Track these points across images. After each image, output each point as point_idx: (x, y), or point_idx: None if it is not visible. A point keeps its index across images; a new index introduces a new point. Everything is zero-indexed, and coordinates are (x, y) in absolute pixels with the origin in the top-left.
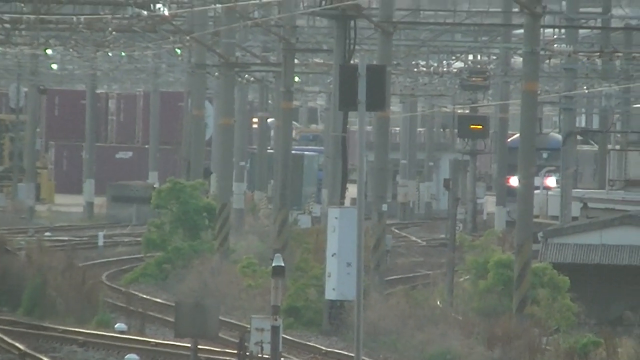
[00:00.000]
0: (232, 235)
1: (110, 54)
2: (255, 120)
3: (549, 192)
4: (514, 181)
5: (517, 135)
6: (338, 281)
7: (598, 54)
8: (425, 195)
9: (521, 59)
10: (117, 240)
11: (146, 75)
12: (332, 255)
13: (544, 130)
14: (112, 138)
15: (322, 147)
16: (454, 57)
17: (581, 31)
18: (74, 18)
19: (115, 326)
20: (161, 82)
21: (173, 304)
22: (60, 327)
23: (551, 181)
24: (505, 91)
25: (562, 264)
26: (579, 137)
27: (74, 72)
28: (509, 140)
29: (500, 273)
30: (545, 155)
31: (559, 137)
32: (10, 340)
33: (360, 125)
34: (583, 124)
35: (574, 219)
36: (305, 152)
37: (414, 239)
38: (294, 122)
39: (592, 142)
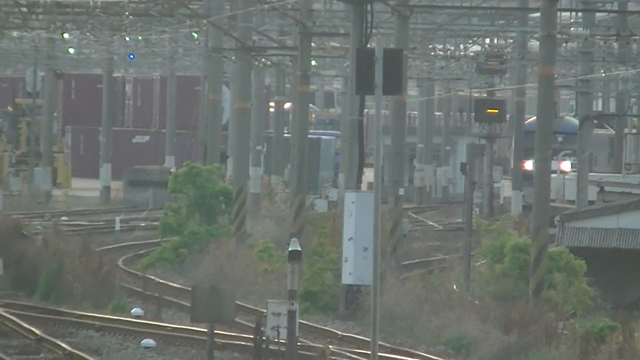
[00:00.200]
0: (248, 219)
1: (127, 38)
2: (272, 104)
3: (566, 177)
4: (528, 165)
5: (533, 118)
6: (355, 265)
7: (615, 37)
8: (442, 180)
9: (538, 42)
10: (133, 224)
11: (163, 60)
12: (349, 240)
13: (560, 114)
14: (129, 122)
15: (338, 131)
16: (470, 41)
17: (598, 14)
18: (91, 2)
19: (132, 311)
20: (178, 66)
21: (189, 289)
22: (77, 312)
23: (566, 165)
24: (521, 75)
25: (579, 248)
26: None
27: (91, 57)
28: (524, 123)
29: (517, 257)
30: (560, 139)
31: (575, 120)
32: (26, 325)
33: (377, 109)
34: (599, 108)
35: (591, 203)
36: (322, 137)
37: (430, 223)
38: (311, 106)
39: (607, 126)
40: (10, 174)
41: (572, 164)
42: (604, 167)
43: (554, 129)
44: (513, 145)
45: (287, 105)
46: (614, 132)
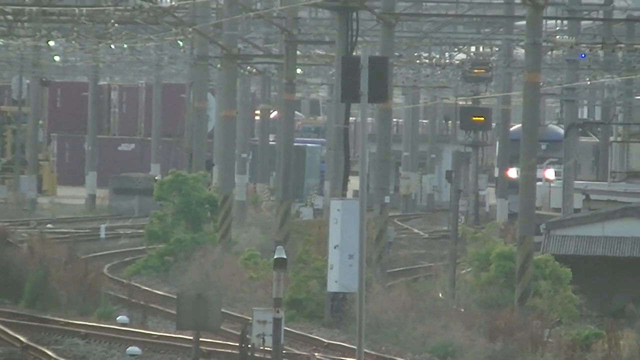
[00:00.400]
0: (234, 227)
1: (112, 46)
2: (257, 112)
3: (551, 184)
4: (512, 173)
5: (517, 126)
6: (340, 273)
7: (600, 45)
8: (428, 187)
9: (523, 50)
10: (119, 232)
11: (148, 67)
12: (335, 248)
13: (544, 122)
14: (115, 130)
15: (323, 139)
16: (456, 49)
17: (583, 23)
18: (76, 10)
19: (117, 318)
20: (163, 74)
21: (175, 296)
22: (62, 319)
23: (550, 173)
24: (507, 83)
25: (564, 256)
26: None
27: (76, 64)
28: (509, 131)
29: (502, 265)
30: (544, 146)
31: (558, 128)
32: (12, 333)
33: (362, 117)
34: (585, 116)
35: (576, 210)
36: (308, 144)
37: (416, 231)
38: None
39: (591, 134)
40: None
41: (555, 172)
42: (589, 175)
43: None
44: (498, 153)
45: (273, 115)
46: (597, 140)
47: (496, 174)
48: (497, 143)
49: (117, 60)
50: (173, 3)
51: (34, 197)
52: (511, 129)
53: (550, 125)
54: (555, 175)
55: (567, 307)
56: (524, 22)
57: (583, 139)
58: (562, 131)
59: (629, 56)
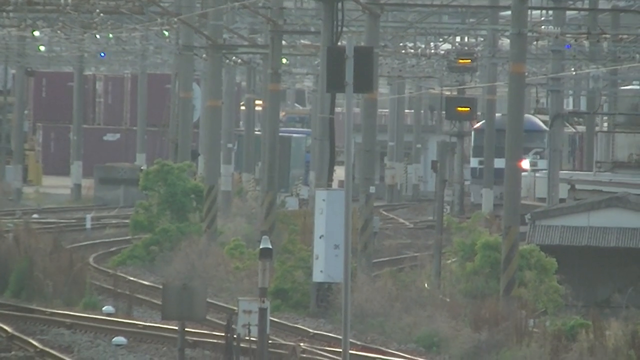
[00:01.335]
0: (219, 217)
1: (97, 36)
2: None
3: (537, 174)
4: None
5: (497, 115)
6: (326, 263)
7: (585, 35)
8: (413, 178)
9: (508, 40)
10: (104, 222)
11: (134, 57)
12: (320, 237)
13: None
14: (100, 120)
15: (308, 129)
16: (441, 39)
17: (568, 13)
18: (62, 0)
19: (103, 309)
20: (149, 64)
21: (160, 287)
22: (48, 309)
23: (525, 163)
24: (492, 73)
25: (550, 246)
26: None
27: (62, 54)
28: (482, 122)
29: (488, 255)
30: None
31: (534, 118)
32: None
33: (347, 107)
34: (570, 106)
35: (562, 200)
36: (293, 134)
37: (401, 221)
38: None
39: (567, 124)
40: None
41: (530, 162)
42: (566, 165)
43: None
44: (473, 143)
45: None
46: (574, 130)
47: (472, 164)
48: (473, 133)
49: (102, 50)
50: None
51: (19, 187)
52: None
53: (527, 115)
54: (531, 165)
55: (553, 297)
56: (509, 12)
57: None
58: (538, 121)
59: (614, 46)
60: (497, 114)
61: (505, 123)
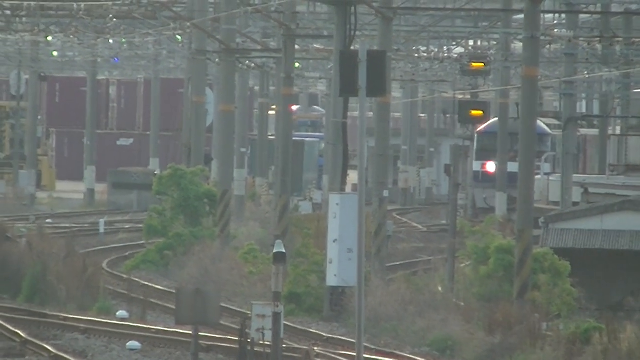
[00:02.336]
0: (233, 221)
1: (110, 41)
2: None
3: (550, 178)
4: (490, 167)
5: (494, 119)
6: (339, 267)
7: (598, 39)
8: (426, 181)
9: (521, 44)
10: (118, 227)
11: (147, 62)
12: (334, 242)
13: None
14: (113, 125)
15: (320, 133)
16: (454, 43)
17: (581, 16)
18: (75, 5)
19: (117, 313)
20: (162, 68)
21: (174, 291)
22: (62, 314)
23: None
24: (505, 76)
25: (563, 250)
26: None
27: (75, 59)
28: (485, 125)
29: (501, 259)
30: None
31: (539, 122)
32: (11, 328)
33: (360, 111)
34: (584, 110)
35: (575, 204)
36: (306, 139)
37: (414, 224)
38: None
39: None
40: None
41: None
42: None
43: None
44: (476, 146)
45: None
46: (580, 133)
47: (474, 168)
48: (475, 137)
49: (115, 55)
50: None
51: (32, 192)
52: (485, 124)
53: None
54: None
55: (566, 301)
56: (521, 16)
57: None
58: (541, 124)
59: (626, 49)
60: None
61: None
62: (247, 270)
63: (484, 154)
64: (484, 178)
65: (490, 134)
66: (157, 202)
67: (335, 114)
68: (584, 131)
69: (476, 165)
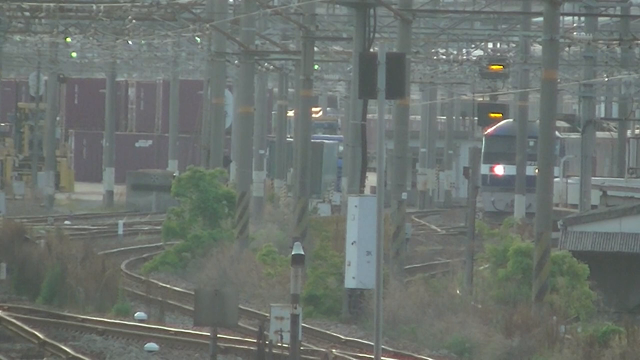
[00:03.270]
0: (251, 223)
1: (129, 42)
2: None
3: (569, 180)
4: (499, 170)
5: (504, 122)
6: (358, 269)
7: (617, 41)
8: (445, 184)
9: (540, 47)
10: (136, 228)
11: (166, 64)
12: (352, 244)
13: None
14: (132, 126)
15: (338, 135)
16: (473, 45)
17: (600, 19)
18: (94, 6)
19: (135, 315)
20: (181, 70)
21: (192, 293)
22: (80, 315)
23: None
24: (524, 79)
25: (582, 252)
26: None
27: (94, 61)
28: (493, 128)
29: (520, 261)
30: (532, 143)
31: None
32: (29, 329)
33: (379, 113)
34: (602, 113)
35: (594, 207)
36: (325, 141)
37: (433, 227)
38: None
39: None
40: (14, 178)
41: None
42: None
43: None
44: (484, 149)
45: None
46: None
47: (482, 171)
48: (483, 139)
49: (134, 56)
50: None
51: (51, 193)
52: (494, 127)
53: (539, 121)
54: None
55: (585, 303)
56: (541, 19)
57: (574, 135)
58: None
59: None
60: (506, 120)
61: (515, 129)
62: (266, 272)
63: (492, 157)
64: (492, 181)
65: (499, 137)
66: (176, 204)
67: (355, 116)
68: None
69: (484, 169)
